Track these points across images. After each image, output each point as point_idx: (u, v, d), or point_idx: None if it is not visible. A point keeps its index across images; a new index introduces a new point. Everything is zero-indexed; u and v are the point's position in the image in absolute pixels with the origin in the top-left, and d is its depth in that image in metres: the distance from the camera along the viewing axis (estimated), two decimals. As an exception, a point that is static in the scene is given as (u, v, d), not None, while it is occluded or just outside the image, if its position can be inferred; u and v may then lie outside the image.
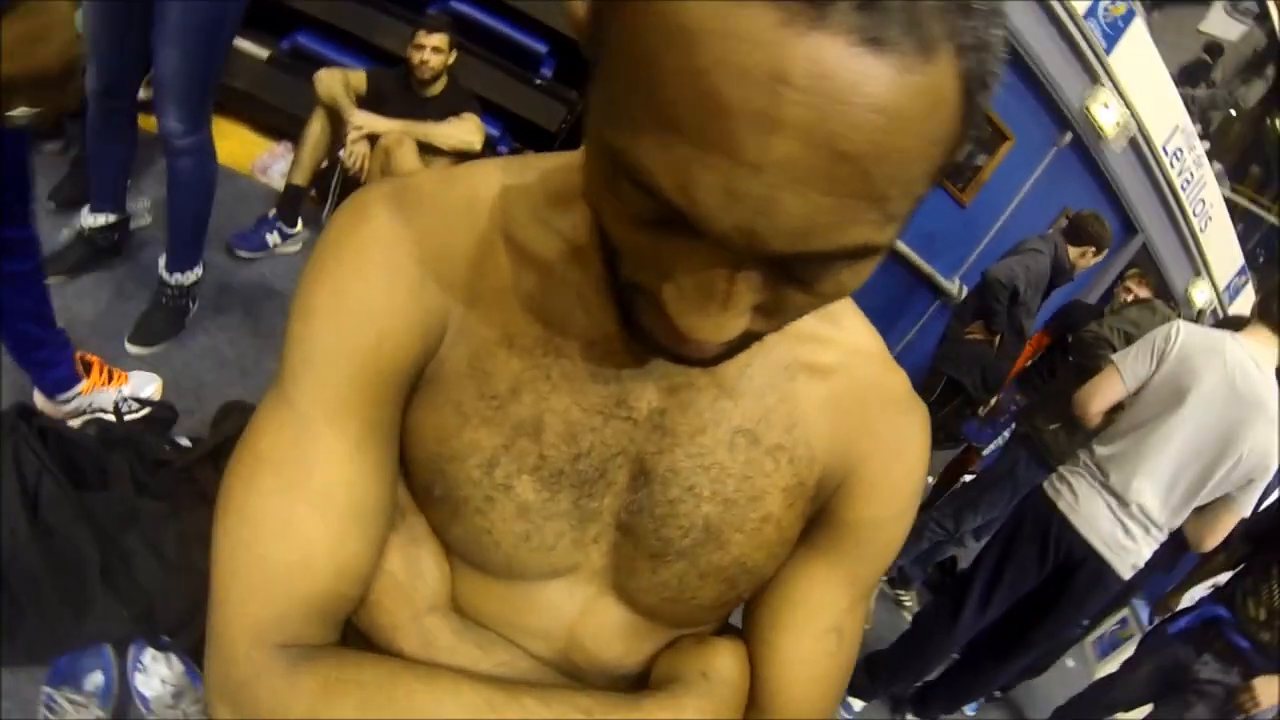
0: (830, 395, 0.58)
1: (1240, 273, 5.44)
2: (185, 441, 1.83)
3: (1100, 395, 2.27)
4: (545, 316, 0.53)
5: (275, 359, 0.53)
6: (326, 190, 3.24)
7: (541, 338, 0.52)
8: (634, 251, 0.40)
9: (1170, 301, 5.00)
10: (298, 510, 0.49)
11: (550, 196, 0.54)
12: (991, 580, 2.41)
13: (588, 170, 0.40)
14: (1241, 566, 2.55)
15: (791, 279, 0.38)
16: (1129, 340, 2.89)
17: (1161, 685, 2.57)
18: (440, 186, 0.54)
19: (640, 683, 0.61)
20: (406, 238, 0.51)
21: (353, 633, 0.54)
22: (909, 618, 3.23)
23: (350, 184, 3.08)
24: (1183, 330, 2.18)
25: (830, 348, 0.58)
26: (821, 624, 0.60)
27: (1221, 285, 5.49)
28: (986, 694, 2.95)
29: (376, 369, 0.51)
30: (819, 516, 0.60)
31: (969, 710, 3.08)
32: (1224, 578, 2.64)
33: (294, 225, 3.05)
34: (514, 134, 3.94)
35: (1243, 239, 5.59)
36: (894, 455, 0.60)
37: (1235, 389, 2.08)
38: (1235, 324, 2.30)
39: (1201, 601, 2.62)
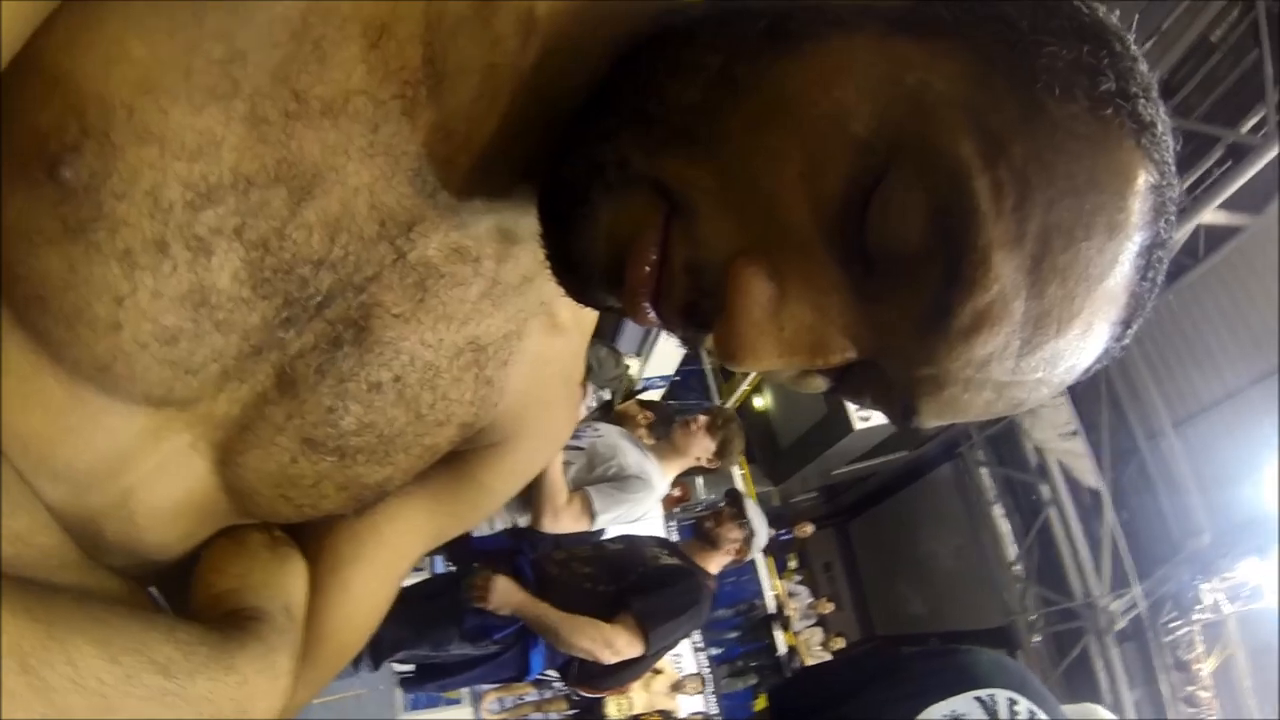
0: (544, 354, 0.51)
1: (663, 378, 7.21)
2: None
3: (567, 523, 2.33)
4: (439, 59, 0.36)
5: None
6: None
7: (414, 76, 0.35)
8: (765, 200, 0.31)
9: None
10: None
11: None
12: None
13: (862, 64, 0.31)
14: None
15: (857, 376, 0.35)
16: (589, 368, 3.60)
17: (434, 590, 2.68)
18: None
19: (171, 572, 0.46)
20: None
21: None
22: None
23: None
24: (654, 495, 2.53)
25: (573, 309, 0.50)
26: (396, 570, 0.52)
27: (648, 375, 7.18)
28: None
29: None
30: (448, 459, 0.51)
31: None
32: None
33: None
34: None
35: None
36: (547, 440, 0.56)
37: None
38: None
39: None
